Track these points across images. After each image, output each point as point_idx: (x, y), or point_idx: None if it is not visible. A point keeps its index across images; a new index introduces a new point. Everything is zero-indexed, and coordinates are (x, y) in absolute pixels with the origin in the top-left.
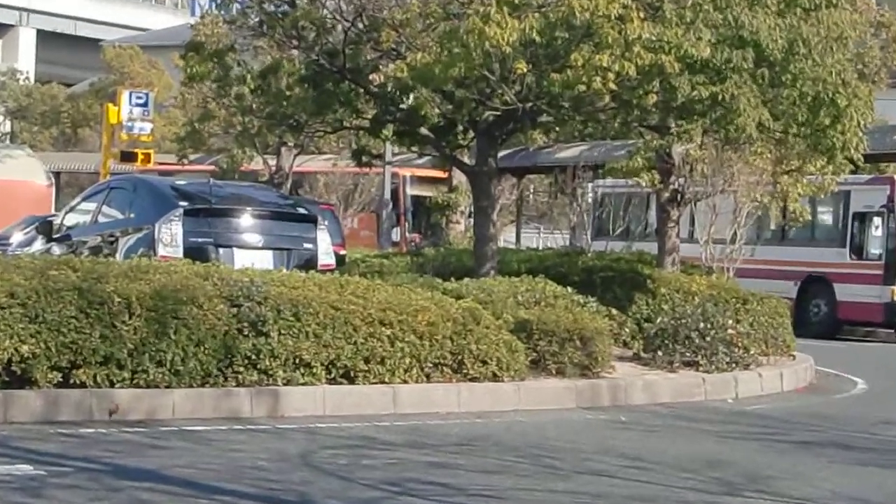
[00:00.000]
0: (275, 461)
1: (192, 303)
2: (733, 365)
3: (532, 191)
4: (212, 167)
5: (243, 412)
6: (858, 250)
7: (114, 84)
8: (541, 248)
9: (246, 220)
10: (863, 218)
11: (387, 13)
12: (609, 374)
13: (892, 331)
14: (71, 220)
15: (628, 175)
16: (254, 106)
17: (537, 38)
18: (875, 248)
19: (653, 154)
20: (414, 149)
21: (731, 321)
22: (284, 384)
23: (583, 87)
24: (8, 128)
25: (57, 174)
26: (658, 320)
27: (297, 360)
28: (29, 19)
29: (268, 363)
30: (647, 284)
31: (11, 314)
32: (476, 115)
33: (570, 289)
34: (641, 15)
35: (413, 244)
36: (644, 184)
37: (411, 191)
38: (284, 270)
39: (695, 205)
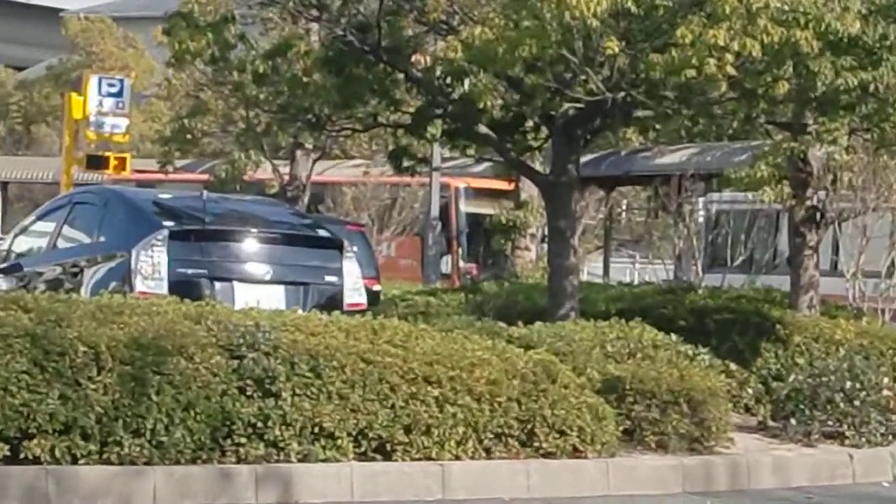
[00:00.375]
0: None
1: (179, 354)
2: (890, 437)
3: (625, 207)
4: (206, 176)
5: (245, 497)
6: None
7: (78, 67)
8: (636, 282)
9: (250, 245)
10: None
11: None
12: (726, 449)
13: None
14: (22, 244)
15: (751, 187)
16: (261, 96)
17: (633, 8)
18: None
19: (784, 160)
20: (470, 152)
21: (886, 380)
22: (300, 460)
23: (692, 72)
24: None
25: (4, 185)
26: (791, 378)
27: (317, 429)
28: None
29: (278, 433)
30: (776, 331)
31: None
32: (551, 107)
33: (674, 336)
34: None
35: (468, 277)
36: (772, 199)
37: (466, 207)
38: (300, 311)
39: (839, 227)
